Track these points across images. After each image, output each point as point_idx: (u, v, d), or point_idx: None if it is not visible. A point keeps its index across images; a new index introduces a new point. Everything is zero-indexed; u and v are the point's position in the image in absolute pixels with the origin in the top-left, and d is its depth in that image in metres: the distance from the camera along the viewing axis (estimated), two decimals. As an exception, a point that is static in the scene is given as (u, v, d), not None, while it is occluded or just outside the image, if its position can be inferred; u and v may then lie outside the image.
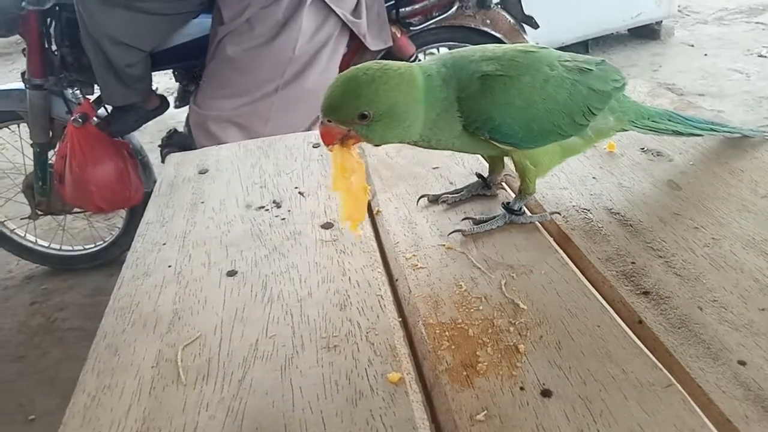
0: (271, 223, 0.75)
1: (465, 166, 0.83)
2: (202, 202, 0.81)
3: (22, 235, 2.20)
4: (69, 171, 1.79)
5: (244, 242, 0.71)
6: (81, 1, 1.64)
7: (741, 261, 0.60)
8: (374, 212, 0.76)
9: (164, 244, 0.72)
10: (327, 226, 0.73)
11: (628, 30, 3.93)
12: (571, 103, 0.64)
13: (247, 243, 0.71)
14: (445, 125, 0.61)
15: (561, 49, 2.62)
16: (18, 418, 1.67)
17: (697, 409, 0.45)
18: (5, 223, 2.19)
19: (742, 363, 0.49)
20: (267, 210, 0.78)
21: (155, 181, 2.03)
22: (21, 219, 2.13)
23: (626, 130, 0.72)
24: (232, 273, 0.66)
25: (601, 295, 0.58)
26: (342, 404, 0.48)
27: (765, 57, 3.52)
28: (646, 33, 3.91)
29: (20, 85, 1.87)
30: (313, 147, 0.94)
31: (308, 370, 0.52)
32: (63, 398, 1.69)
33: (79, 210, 2.07)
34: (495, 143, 0.63)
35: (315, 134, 1.00)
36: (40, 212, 2.02)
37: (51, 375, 1.79)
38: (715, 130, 0.78)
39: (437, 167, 0.84)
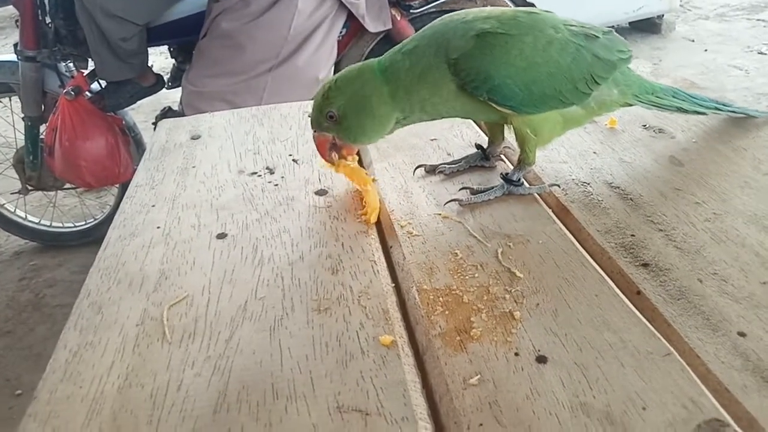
0: (264, 189, 0.73)
1: (464, 138, 0.81)
2: (194, 167, 0.79)
3: (12, 210, 2.17)
4: (59, 144, 1.76)
5: (235, 206, 0.70)
6: None
7: (742, 236, 0.58)
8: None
9: (153, 206, 0.71)
10: (321, 192, 0.71)
11: (630, 23, 3.91)
12: (575, 68, 0.62)
13: (239, 207, 0.69)
14: (431, 91, 0.60)
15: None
16: (5, 392, 1.66)
17: (696, 378, 0.44)
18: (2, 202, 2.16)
19: (741, 334, 0.47)
20: (260, 176, 0.76)
21: None
22: (11, 194, 2.10)
23: (630, 105, 0.70)
24: (222, 235, 0.64)
25: (599, 266, 0.57)
26: (332, 365, 0.47)
27: (765, 54, 3.51)
28: (648, 26, 3.89)
29: (12, 57, 1.83)
30: (308, 116, 0.92)
31: (298, 331, 0.51)
32: (48, 373, 1.69)
33: (69, 186, 2.04)
34: (494, 105, 0.61)
35: (311, 104, 0.98)
36: (30, 187, 1.99)
37: (38, 351, 1.78)
38: (719, 109, 0.76)
39: (435, 139, 0.82)
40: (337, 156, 0.65)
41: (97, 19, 1.62)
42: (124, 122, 1.93)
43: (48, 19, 1.76)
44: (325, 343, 0.49)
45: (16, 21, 1.77)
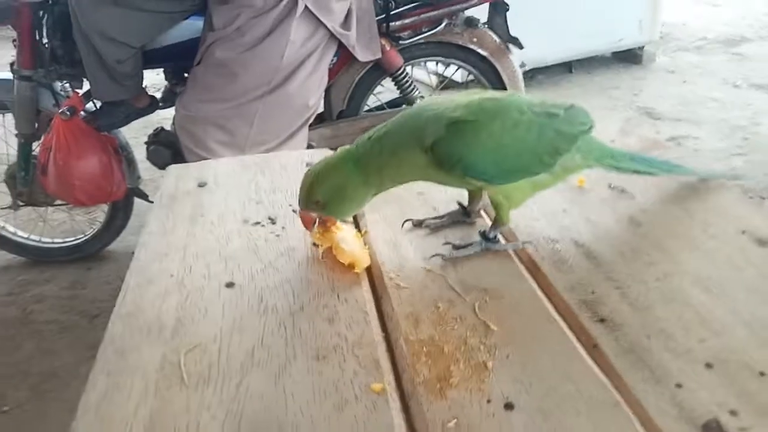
0: (267, 239, 0.81)
1: (447, 193, 0.90)
2: (202, 215, 0.87)
3: (2, 225, 2.21)
4: (53, 163, 1.82)
5: (241, 256, 0.77)
6: None
7: (687, 295, 0.67)
8: (362, 232, 0.82)
9: (166, 254, 0.78)
10: (318, 244, 0.79)
11: (612, 53, 4.05)
12: (539, 144, 0.71)
13: (245, 257, 0.77)
14: (407, 170, 0.71)
15: (545, 68, 2.70)
16: (-9, 409, 1.69)
17: (639, 427, 0.52)
18: None
19: (679, 386, 0.56)
20: (263, 226, 0.84)
21: (139, 178, 2.10)
22: (1, 209, 2.15)
23: (591, 167, 0.79)
24: (230, 285, 0.72)
25: (563, 320, 0.65)
26: (330, 410, 0.55)
27: (739, 87, 3.65)
28: (629, 57, 4.03)
29: (7, 75, 1.90)
30: (306, 166, 1.00)
31: (300, 378, 0.58)
32: (34, 391, 1.73)
33: (60, 202, 2.09)
34: (469, 180, 0.70)
35: (308, 153, 1.06)
36: (21, 203, 2.04)
37: (24, 368, 1.81)
38: (671, 171, 0.85)
39: (422, 192, 0.90)
40: (321, 228, 0.76)
41: (93, 41, 1.69)
42: (117, 141, 2.00)
43: (45, 39, 1.82)
44: (323, 390, 0.57)
45: (14, 40, 1.84)
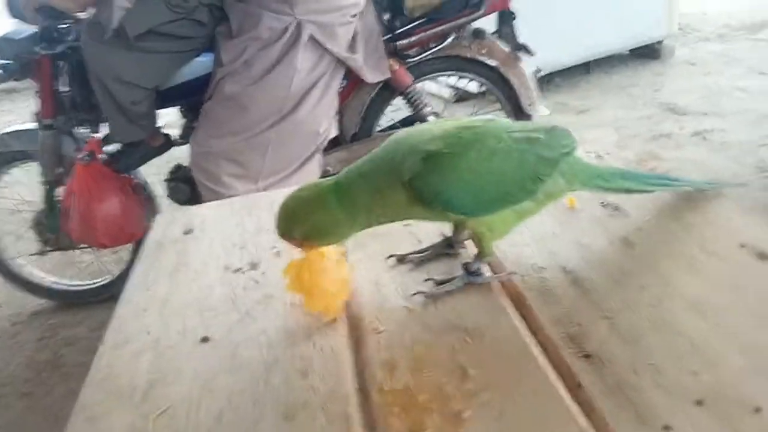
0: (245, 287, 0.79)
1: (434, 224, 0.87)
2: (185, 265, 0.86)
3: (31, 271, 2.27)
4: (75, 208, 1.87)
5: (219, 306, 0.76)
6: (86, 43, 1.74)
7: (680, 322, 0.63)
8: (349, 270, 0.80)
9: (145, 310, 0.77)
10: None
11: (629, 50, 3.96)
12: (520, 171, 0.68)
13: (223, 307, 0.76)
14: (390, 206, 0.66)
15: (563, 71, 2.65)
16: (27, 455, 1.72)
17: (622, 477, 0.49)
18: (15, 259, 2.26)
19: (666, 428, 0.51)
20: (243, 272, 0.82)
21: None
22: (30, 255, 2.21)
23: (577, 190, 0.76)
24: (205, 339, 0.70)
25: (547, 357, 0.62)
26: (294, 475, 0.52)
27: (766, 74, 3.52)
28: (648, 52, 3.94)
29: (27, 125, 1.97)
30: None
31: (266, 440, 0.56)
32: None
33: (85, 245, 2.13)
34: (450, 214, 0.67)
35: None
36: (49, 248, 2.10)
37: (56, 412, 1.84)
38: (667, 185, 0.81)
39: (408, 224, 0.87)
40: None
41: (108, 86, 1.74)
42: (136, 180, 2.04)
43: (64, 87, 1.87)
44: (290, 452, 0.55)
45: (36, 92, 1.90)
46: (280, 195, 1.02)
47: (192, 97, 1.89)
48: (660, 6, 3.74)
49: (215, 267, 0.85)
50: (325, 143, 1.86)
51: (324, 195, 0.67)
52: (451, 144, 0.66)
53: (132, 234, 1.98)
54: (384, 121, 2.10)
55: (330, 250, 0.74)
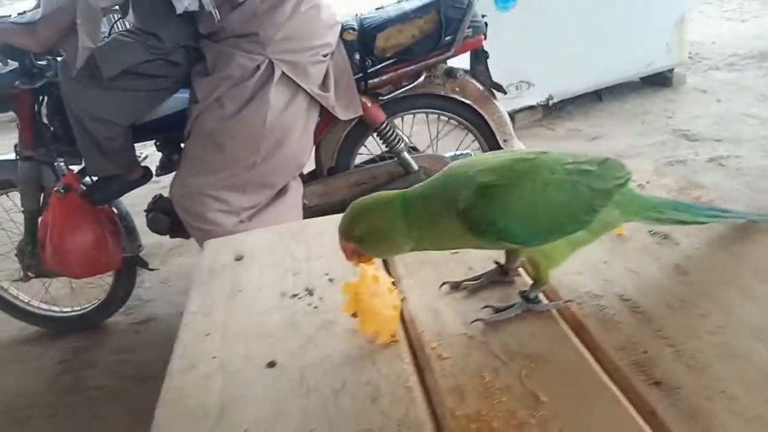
0: (305, 312, 0.80)
1: (482, 251, 0.88)
2: (240, 291, 0.87)
3: (16, 294, 2.31)
4: (49, 239, 1.90)
5: (280, 332, 0.77)
6: (62, 80, 1.77)
7: (747, 350, 0.64)
8: (398, 294, 0.81)
9: (207, 335, 0.78)
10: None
11: (641, 78, 4.00)
12: (573, 203, 0.70)
13: (284, 333, 0.77)
14: (444, 233, 0.69)
15: (575, 98, 2.66)
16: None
17: (707, 503, 0.49)
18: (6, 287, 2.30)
19: (748, 456, 0.52)
20: (300, 298, 0.84)
21: (140, 246, 2.15)
22: (13, 281, 2.25)
23: (631, 221, 0.77)
24: (271, 364, 0.72)
25: (615, 384, 0.63)
26: (378, 499, 0.53)
27: (778, 102, 3.56)
28: (659, 80, 3.97)
29: (11, 155, 2.00)
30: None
31: (346, 464, 0.57)
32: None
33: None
34: (504, 243, 0.69)
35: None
36: (31, 274, 2.13)
37: (81, 435, 1.85)
38: (719, 217, 0.82)
39: (456, 252, 0.89)
40: (356, 262, 0.73)
41: (83, 122, 1.77)
42: (116, 212, 2.07)
43: (44, 120, 1.92)
44: (371, 476, 0.56)
45: (17, 124, 1.94)
46: (327, 223, 1.05)
47: (168, 132, 1.93)
48: (670, 35, 3.79)
49: (271, 293, 0.86)
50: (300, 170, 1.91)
51: (391, 201, 0.70)
52: (504, 176, 0.68)
53: (104, 264, 2.01)
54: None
55: (383, 277, 0.76)
